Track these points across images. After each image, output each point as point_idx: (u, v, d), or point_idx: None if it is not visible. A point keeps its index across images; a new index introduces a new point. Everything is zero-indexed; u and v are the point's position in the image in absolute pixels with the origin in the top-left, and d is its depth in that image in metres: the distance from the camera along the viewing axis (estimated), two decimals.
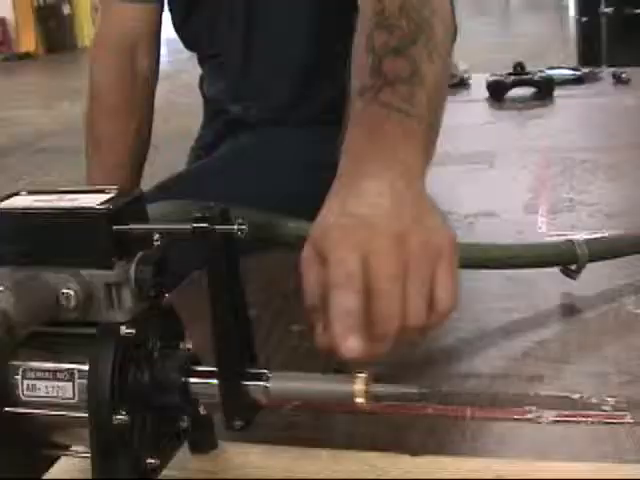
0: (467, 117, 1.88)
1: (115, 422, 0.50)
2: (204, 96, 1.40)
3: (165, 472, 0.56)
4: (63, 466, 0.58)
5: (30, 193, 0.54)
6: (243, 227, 0.51)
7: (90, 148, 1.26)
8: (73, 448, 0.57)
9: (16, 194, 0.55)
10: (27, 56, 10.65)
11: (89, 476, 0.52)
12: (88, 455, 0.53)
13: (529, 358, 0.78)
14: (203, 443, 0.61)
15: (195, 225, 0.50)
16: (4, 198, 0.54)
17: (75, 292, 0.50)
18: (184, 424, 0.57)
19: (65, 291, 0.50)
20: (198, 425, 0.59)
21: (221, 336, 0.52)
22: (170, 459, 0.57)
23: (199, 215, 0.51)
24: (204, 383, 0.54)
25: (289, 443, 0.64)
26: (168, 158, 1.59)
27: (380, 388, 0.52)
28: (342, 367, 0.54)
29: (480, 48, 4.74)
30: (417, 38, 0.71)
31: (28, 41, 10.83)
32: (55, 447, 0.56)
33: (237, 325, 0.53)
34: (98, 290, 0.51)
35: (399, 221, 0.60)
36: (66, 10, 11.45)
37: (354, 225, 0.60)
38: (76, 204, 0.52)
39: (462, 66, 2.26)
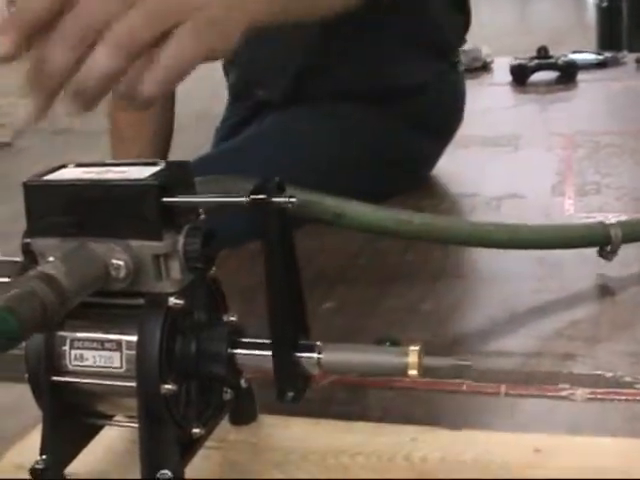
0: (491, 100, 1.87)
1: (163, 391, 0.51)
2: (228, 80, 1.40)
3: (205, 443, 0.57)
4: (109, 435, 0.59)
5: (78, 165, 0.55)
6: (293, 200, 0.51)
7: (114, 139, 1.26)
8: (117, 417, 0.57)
9: (64, 166, 0.55)
10: None
11: (135, 444, 0.53)
12: (132, 424, 0.54)
13: (561, 337, 0.78)
14: (243, 415, 0.62)
15: (253, 197, 0.50)
16: (52, 170, 0.54)
17: (125, 262, 0.51)
18: (227, 395, 0.57)
19: (115, 262, 0.51)
20: (239, 397, 0.59)
21: (275, 307, 0.52)
22: (213, 430, 0.57)
23: (256, 186, 0.51)
24: (250, 354, 0.54)
25: (324, 417, 0.64)
26: (187, 139, 1.60)
27: (433, 361, 0.52)
28: (396, 341, 0.54)
29: (500, 32, 4.72)
30: None
31: None
32: (101, 416, 0.57)
33: (290, 296, 0.53)
34: (147, 261, 0.51)
35: None
36: None
37: None
38: (125, 176, 0.52)
39: (485, 50, 2.26)
